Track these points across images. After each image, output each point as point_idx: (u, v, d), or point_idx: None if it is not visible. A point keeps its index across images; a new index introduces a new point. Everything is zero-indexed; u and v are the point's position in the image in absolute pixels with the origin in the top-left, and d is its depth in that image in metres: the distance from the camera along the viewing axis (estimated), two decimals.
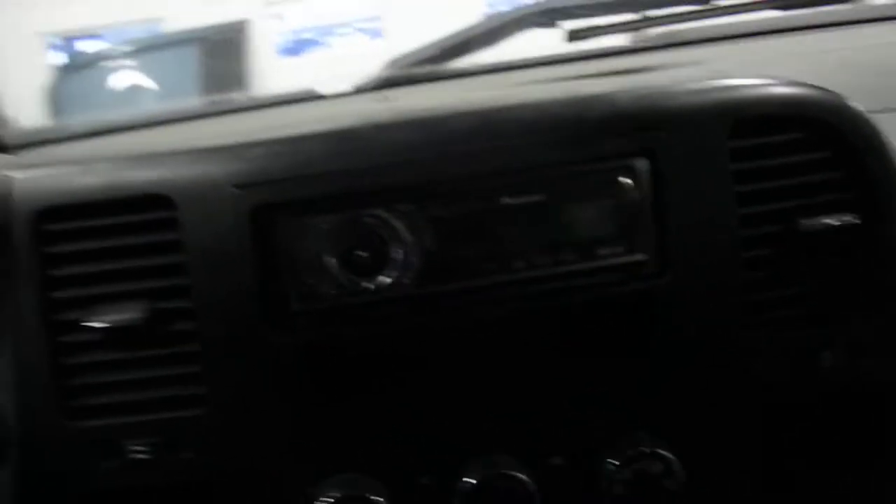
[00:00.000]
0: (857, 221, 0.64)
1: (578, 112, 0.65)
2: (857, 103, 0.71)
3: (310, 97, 1.15)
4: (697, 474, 0.66)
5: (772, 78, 0.69)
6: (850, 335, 0.66)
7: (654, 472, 0.65)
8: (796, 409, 0.68)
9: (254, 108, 1.13)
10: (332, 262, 0.64)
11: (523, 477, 0.65)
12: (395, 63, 1.24)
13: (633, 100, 0.65)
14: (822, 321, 0.66)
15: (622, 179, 0.65)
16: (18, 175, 0.67)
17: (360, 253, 0.64)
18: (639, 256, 0.65)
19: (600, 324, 0.66)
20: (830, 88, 0.83)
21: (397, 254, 0.64)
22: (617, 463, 0.65)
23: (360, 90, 1.14)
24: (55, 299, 0.66)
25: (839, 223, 0.64)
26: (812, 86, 0.68)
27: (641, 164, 0.64)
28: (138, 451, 0.66)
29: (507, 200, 0.64)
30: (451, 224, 0.64)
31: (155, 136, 0.89)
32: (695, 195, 0.64)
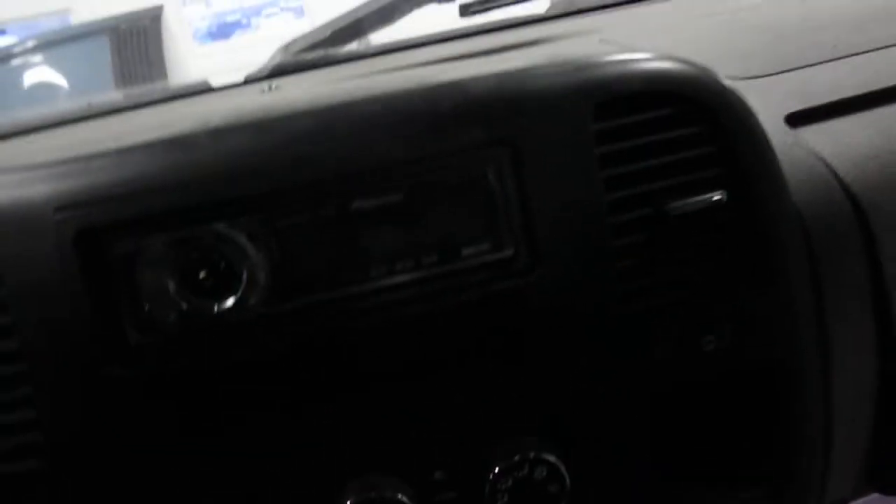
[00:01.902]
0: (726, 199, 0.61)
1: (430, 103, 0.60)
2: (728, 74, 0.68)
3: (200, 90, 1.08)
4: (585, 474, 0.63)
5: (635, 52, 0.65)
6: (732, 315, 0.64)
7: (538, 477, 0.62)
8: (683, 396, 0.65)
9: (140, 105, 1.06)
10: (170, 285, 0.58)
11: (404, 498, 0.61)
12: (287, 49, 1.18)
13: (488, 86, 0.61)
14: (702, 304, 0.64)
15: (481, 172, 0.60)
16: None
17: (201, 274, 0.58)
18: (506, 253, 0.61)
19: (471, 327, 0.62)
20: (724, 53, 0.80)
21: (242, 271, 0.58)
22: (498, 471, 0.61)
23: (250, 80, 1.08)
24: None
25: (709, 202, 0.61)
26: (678, 59, 0.65)
27: (501, 154, 0.60)
28: None
29: (359, 204, 0.59)
30: (299, 234, 0.59)
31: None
32: (560, 184, 0.61)
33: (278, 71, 1.07)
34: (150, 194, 0.57)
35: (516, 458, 0.61)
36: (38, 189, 0.58)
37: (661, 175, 0.62)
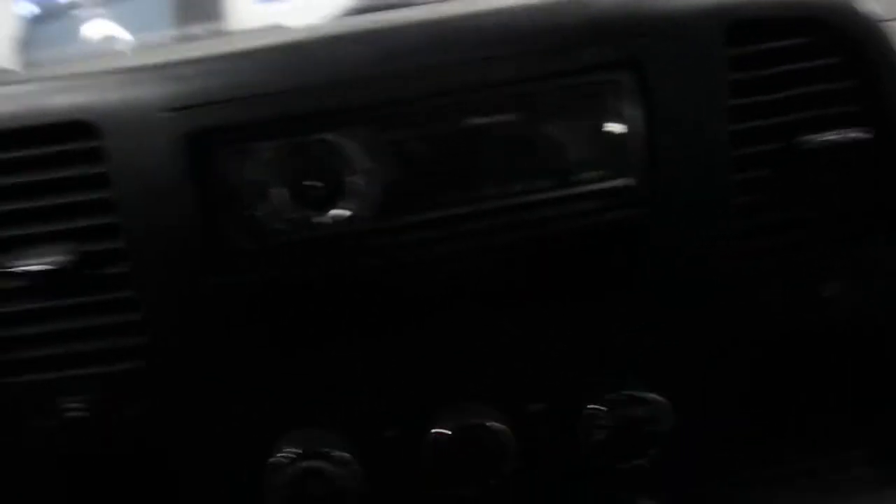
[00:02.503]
0: (866, 137, 0.57)
1: (553, 19, 0.57)
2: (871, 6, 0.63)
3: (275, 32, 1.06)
4: (686, 417, 0.60)
5: None
6: (855, 261, 0.60)
7: (639, 416, 0.60)
8: (795, 343, 0.62)
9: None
10: (279, 193, 0.57)
11: (499, 426, 0.60)
12: None
13: (614, 4, 0.57)
14: (825, 247, 0.60)
15: (603, 94, 0.57)
16: None
17: (311, 183, 0.57)
18: (622, 181, 0.58)
19: (581, 257, 0.60)
20: None
21: (353, 183, 0.57)
22: (599, 408, 0.60)
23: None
24: None
25: (845, 139, 0.58)
26: None
27: (625, 76, 0.57)
28: (74, 409, 0.60)
29: (475, 121, 0.57)
30: (412, 148, 0.57)
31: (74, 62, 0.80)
32: (685, 111, 0.57)
33: (359, 12, 1.05)
34: (264, 99, 0.56)
35: (617, 395, 0.59)
36: (149, 90, 0.58)
37: (794, 107, 0.58)
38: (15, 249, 0.58)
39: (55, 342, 0.59)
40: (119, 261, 0.58)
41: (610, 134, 0.58)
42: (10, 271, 0.58)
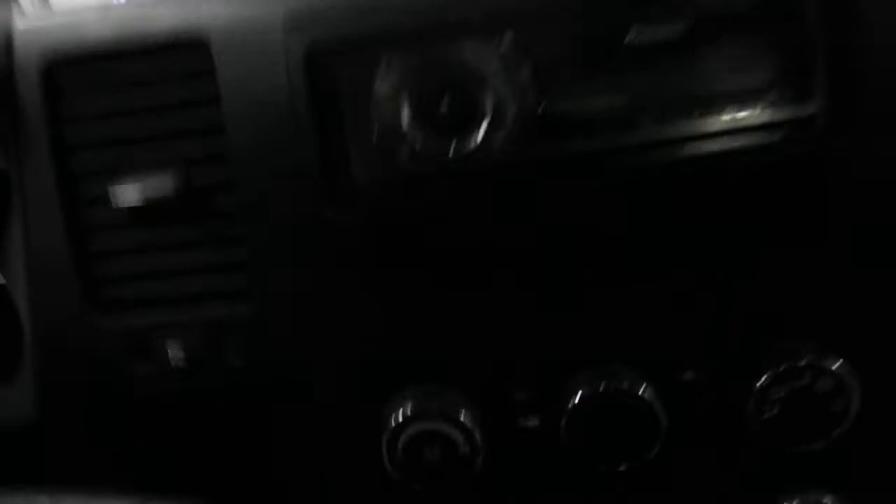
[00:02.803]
0: None
1: None
2: None
3: None
4: (876, 397, 0.51)
5: None
6: None
7: (820, 391, 0.50)
8: None
9: None
10: (405, 118, 0.50)
11: (646, 394, 0.51)
12: None
13: None
14: None
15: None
16: (19, 21, 0.55)
17: (442, 106, 0.50)
18: (810, 108, 0.48)
19: (756, 199, 0.50)
20: None
21: (489, 107, 0.49)
22: (770, 378, 0.50)
23: None
24: (71, 169, 0.54)
25: None
26: None
27: None
28: (174, 354, 0.55)
29: (633, 35, 0.48)
30: (560, 66, 0.49)
31: None
32: (891, 23, 0.47)
33: None
34: (388, 8, 0.49)
35: (795, 363, 0.50)
36: (267, 3, 0.52)
37: None
38: (119, 177, 0.53)
39: (158, 280, 0.55)
40: (228, 192, 0.53)
41: (794, 50, 0.48)
42: (110, 200, 0.53)
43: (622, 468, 0.53)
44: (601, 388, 0.52)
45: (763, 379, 0.50)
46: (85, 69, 0.54)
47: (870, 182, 0.49)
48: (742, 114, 0.49)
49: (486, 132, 0.50)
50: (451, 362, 0.53)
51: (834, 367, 0.50)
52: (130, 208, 0.53)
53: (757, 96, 0.49)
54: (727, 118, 0.49)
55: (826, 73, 0.48)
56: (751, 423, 0.51)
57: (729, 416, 0.52)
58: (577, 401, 0.52)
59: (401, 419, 0.52)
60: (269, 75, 0.51)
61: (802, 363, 0.50)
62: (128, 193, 0.53)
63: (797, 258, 0.51)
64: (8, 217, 0.56)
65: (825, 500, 0.53)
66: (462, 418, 0.52)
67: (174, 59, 0.53)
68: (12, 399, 0.57)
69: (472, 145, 0.50)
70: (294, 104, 0.50)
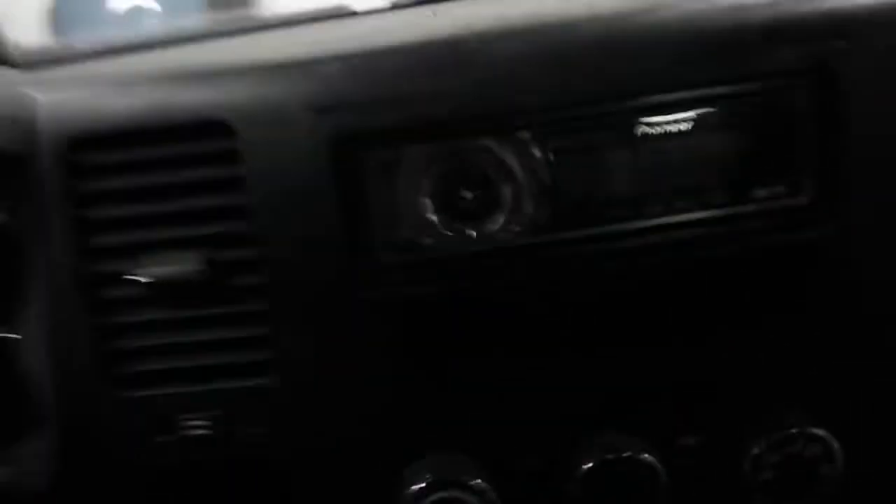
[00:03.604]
0: None
1: (736, 18, 0.52)
2: None
3: (340, 14, 1.01)
4: (859, 459, 0.55)
5: None
6: None
7: (810, 455, 0.55)
8: None
9: (278, 26, 1.00)
10: (428, 203, 0.53)
11: (649, 459, 0.55)
12: None
13: (806, 2, 0.52)
14: None
15: (786, 102, 0.52)
16: (42, 96, 0.56)
17: (464, 193, 0.52)
18: (802, 199, 0.53)
19: (750, 279, 0.55)
20: None
21: (507, 194, 0.52)
22: (765, 445, 0.55)
23: (397, 5, 1.00)
24: (93, 247, 0.55)
25: None
26: None
27: (812, 82, 0.52)
28: (196, 426, 0.56)
29: (643, 130, 0.52)
30: (573, 159, 0.52)
31: (194, 53, 0.76)
32: (878, 124, 0.52)
33: None
34: (416, 101, 0.52)
35: (787, 431, 0.54)
36: (289, 87, 0.53)
37: None
38: (141, 255, 0.54)
39: (179, 355, 0.56)
40: (251, 271, 0.54)
41: (789, 147, 0.53)
42: (135, 279, 0.54)
43: None
44: (605, 456, 0.55)
45: (759, 445, 0.55)
46: (107, 148, 0.55)
47: (852, 262, 0.54)
48: (742, 203, 0.53)
49: (505, 219, 0.53)
50: (466, 433, 0.56)
51: (822, 433, 0.54)
52: (152, 284, 0.54)
53: (754, 187, 0.53)
54: (728, 207, 0.53)
55: (814, 170, 0.52)
56: (747, 485, 0.55)
57: (727, 480, 0.56)
58: (587, 468, 0.55)
59: (420, 487, 0.55)
60: (295, 160, 0.53)
61: (794, 431, 0.54)
62: (149, 271, 0.54)
63: (786, 332, 0.55)
64: (22, 281, 0.56)
65: None
66: (477, 485, 0.55)
67: (196, 141, 0.54)
68: (30, 468, 0.57)
69: (492, 231, 0.53)
70: (320, 188, 0.52)
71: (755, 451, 0.55)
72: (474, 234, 0.53)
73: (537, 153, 0.52)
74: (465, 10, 0.88)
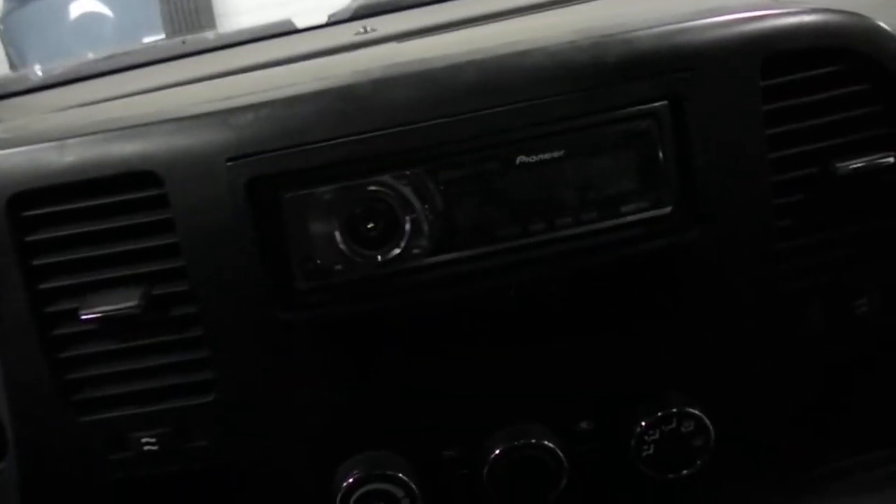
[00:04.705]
0: (893, 160, 0.60)
1: (596, 56, 0.59)
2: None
3: (284, 31, 1.07)
4: (728, 431, 0.64)
5: (799, 3, 0.63)
6: (887, 280, 0.63)
7: (684, 431, 0.63)
8: (832, 359, 0.65)
9: (227, 46, 1.06)
10: (337, 234, 0.60)
11: (551, 444, 0.63)
12: None
13: (655, 39, 0.60)
14: (858, 266, 0.63)
15: (644, 127, 0.60)
16: None
17: (368, 224, 0.60)
18: (665, 210, 0.61)
19: (627, 283, 0.62)
20: None
21: (407, 222, 0.60)
22: (645, 424, 0.63)
23: (335, 21, 1.06)
24: (43, 290, 0.61)
25: (877, 163, 0.60)
26: (842, 11, 0.63)
27: (664, 109, 0.59)
28: (148, 443, 0.63)
29: (521, 159, 0.60)
30: (462, 187, 0.60)
31: (127, 86, 0.82)
32: (722, 140, 0.60)
33: (363, 12, 1.05)
34: (320, 145, 0.58)
35: (663, 411, 0.63)
36: (208, 137, 0.60)
37: (828, 134, 0.61)
38: (89, 294, 0.61)
39: (129, 381, 0.62)
40: (186, 302, 0.61)
41: (650, 165, 0.60)
42: (86, 317, 0.60)
43: None
44: (516, 443, 0.63)
45: (642, 425, 0.63)
46: (47, 201, 0.61)
47: (714, 262, 0.62)
48: (613, 217, 0.61)
49: (406, 244, 0.60)
50: (389, 431, 0.64)
51: (694, 412, 0.63)
52: (99, 320, 0.61)
53: (625, 202, 0.61)
54: (601, 221, 0.61)
55: (674, 185, 0.60)
56: (634, 461, 0.63)
57: (616, 456, 0.64)
58: (496, 454, 0.63)
59: (350, 482, 0.62)
60: (217, 202, 0.59)
61: (672, 411, 0.62)
62: (95, 309, 0.61)
63: (661, 326, 0.63)
64: None
65: None
66: (402, 477, 0.63)
67: (128, 190, 0.60)
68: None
69: (394, 255, 0.60)
70: (241, 226, 0.59)
71: (638, 430, 0.63)
72: (379, 258, 0.60)
73: (430, 185, 0.59)
74: (391, 24, 0.95)
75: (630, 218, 0.61)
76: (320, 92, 0.60)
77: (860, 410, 0.68)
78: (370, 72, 0.62)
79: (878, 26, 0.61)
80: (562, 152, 0.59)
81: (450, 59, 0.61)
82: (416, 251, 0.60)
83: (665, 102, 0.59)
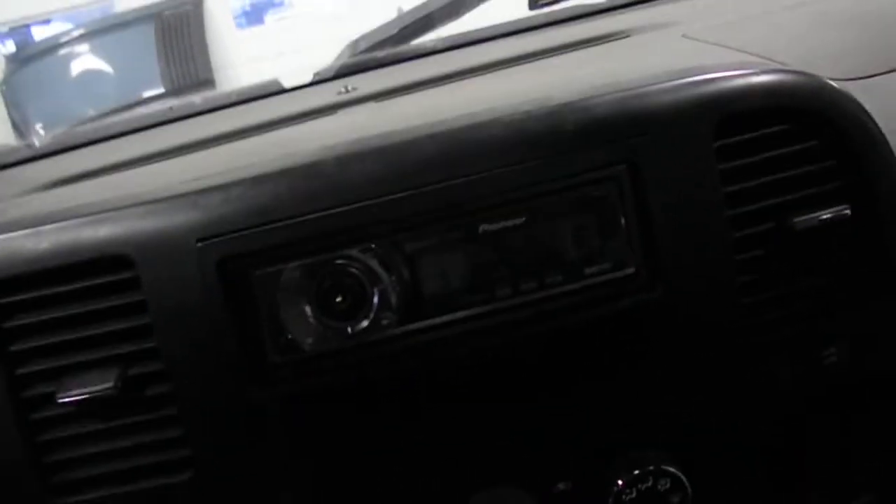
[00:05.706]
0: (850, 212, 0.61)
1: (553, 125, 0.61)
2: (829, 76, 0.66)
3: (271, 91, 1.10)
4: (706, 485, 0.64)
5: (751, 65, 0.65)
6: (853, 329, 0.64)
7: (661, 489, 0.63)
8: (803, 409, 0.66)
9: (213, 109, 1.09)
10: (307, 309, 0.61)
11: None
12: (355, 46, 1.19)
13: (610, 105, 0.61)
14: (823, 317, 0.64)
15: (603, 192, 0.61)
16: None
17: (337, 297, 0.61)
18: (627, 271, 0.62)
19: (594, 344, 0.63)
20: (817, 49, 0.77)
21: (375, 294, 0.61)
22: (622, 483, 0.63)
23: (319, 79, 1.09)
24: (20, 375, 0.62)
25: (834, 216, 0.61)
26: (793, 71, 0.65)
27: (622, 173, 0.61)
28: None
29: (485, 227, 0.61)
30: (427, 257, 0.61)
31: (111, 157, 0.84)
32: (681, 201, 0.61)
33: (347, 70, 1.08)
34: (287, 223, 0.60)
35: (640, 470, 0.63)
36: (177, 220, 0.61)
37: (783, 190, 0.62)
38: (65, 378, 0.62)
39: (108, 461, 0.63)
40: (161, 381, 0.62)
41: (611, 228, 0.62)
42: (63, 400, 0.61)
43: None
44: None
45: (617, 484, 0.63)
46: (23, 287, 0.62)
47: (678, 320, 0.63)
48: (577, 279, 0.62)
49: (375, 315, 0.61)
50: (365, 503, 0.64)
51: (670, 469, 0.63)
52: (77, 403, 0.62)
53: (589, 264, 0.62)
54: (566, 284, 0.62)
55: (634, 246, 0.61)
56: None
57: None
58: None
59: None
60: (188, 282, 0.60)
61: (648, 468, 0.63)
62: (72, 392, 0.62)
63: (632, 383, 0.64)
64: None
65: None
66: None
67: (101, 274, 0.61)
68: None
69: (365, 326, 0.61)
70: (212, 304, 0.60)
71: (615, 489, 0.63)
72: (349, 329, 0.61)
73: (396, 256, 0.61)
74: (377, 82, 0.97)
75: (594, 280, 0.62)
76: (286, 170, 0.62)
77: (835, 459, 0.68)
78: (335, 147, 0.63)
79: (827, 84, 0.63)
80: (523, 219, 0.61)
81: (412, 133, 0.63)
82: (384, 322, 0.61)
83: (623, 166, 0.61)
